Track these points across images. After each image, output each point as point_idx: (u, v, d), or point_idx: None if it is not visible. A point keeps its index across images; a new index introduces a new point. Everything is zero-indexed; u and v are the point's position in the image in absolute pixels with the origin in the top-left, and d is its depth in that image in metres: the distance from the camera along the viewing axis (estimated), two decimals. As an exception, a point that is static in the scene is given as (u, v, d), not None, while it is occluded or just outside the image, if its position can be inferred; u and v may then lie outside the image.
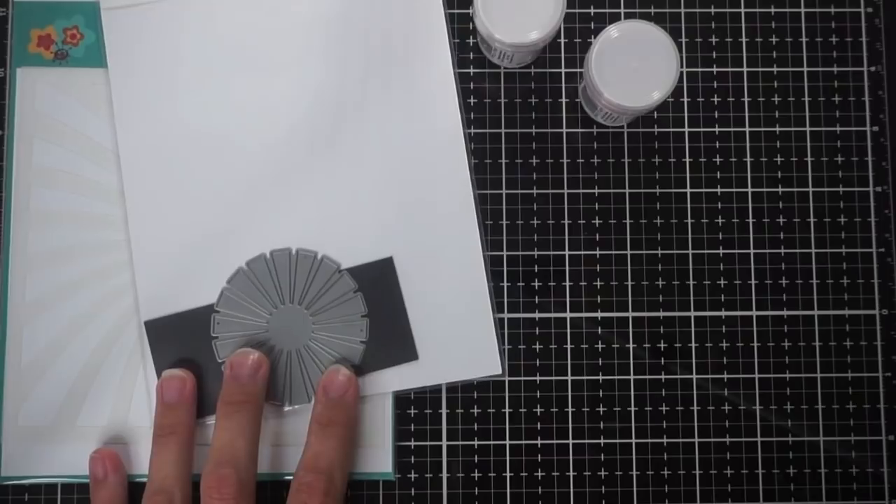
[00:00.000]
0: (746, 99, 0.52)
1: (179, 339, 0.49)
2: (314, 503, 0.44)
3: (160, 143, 0.50)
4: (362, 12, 0.51)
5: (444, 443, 0.49)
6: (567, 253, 0.51)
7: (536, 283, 0.50)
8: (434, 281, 0.50)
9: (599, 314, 0.50)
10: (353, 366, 0.49)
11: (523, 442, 0.50)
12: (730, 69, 0.52)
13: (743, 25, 0.52)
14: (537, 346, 0.50)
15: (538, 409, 0.50)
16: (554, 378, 0.50)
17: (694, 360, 0.50)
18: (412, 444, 0.49)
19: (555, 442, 0.50)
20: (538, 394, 0.50)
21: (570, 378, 0.50)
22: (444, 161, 0.50)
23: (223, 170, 0.50)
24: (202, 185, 0.50)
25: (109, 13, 0.51)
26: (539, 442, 0.50)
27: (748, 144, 0.51)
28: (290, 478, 0.46)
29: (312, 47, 0.51)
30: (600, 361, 0.50)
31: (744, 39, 0.52)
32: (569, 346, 0.50)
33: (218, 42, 0.51)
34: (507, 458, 0.49)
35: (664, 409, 0.50)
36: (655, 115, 0.52)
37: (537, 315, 0.50)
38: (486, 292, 0.50)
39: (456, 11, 0.52)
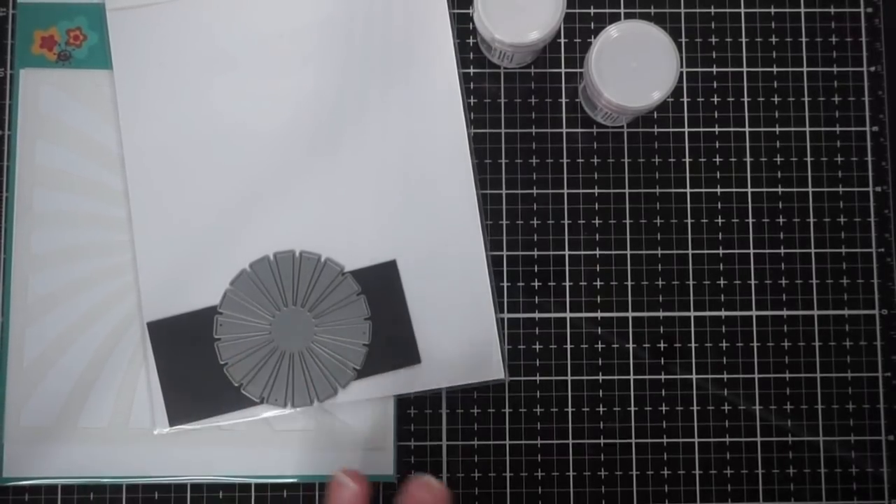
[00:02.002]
0: (746, 99, 0.52)
1: (182, 341, 0.49)
2: None
3: (164, 145, 0.50)
4: (366, 14, 0.51)
5: (444, 443, 0.50)
6: (567, 253, 0.51)
7: (536, 283, 0.51)
8: (437, 285, 0.50)
9: (599, 314, 0.51)
10: (354, 369, 0.49)
11: (523, 442, 0.50)
12: (730, 69, 0.52)
13: (743, 25, 0.52)
14: (537, 347, 0.50)
15: (538, 410, 0.50)
16: (554, 378, 0.50)
17: (694, 360, 0.50)
18: (412, 444, 0.50)
19: (555, 442, 0.50)
20: (538, 394, 0.50)
21: (570, 378, 0.50)
22: (448, 164, 0.50)
23: (227, 172, 0.50)
24: (206, 186, 0.50)
25: (115, 14, 0.51)
26: (539, 442, 0.50)
27: (748, 144, 0.51)
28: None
29: (316, 49, 0.51)
30: (600, 361, 0.50)
31: (744, 39, 0.52)
32: (569, 346, 0.50)
33: (222, 44, 0.51)
34: (507, 458, 0.50)
35: (664, 409, 0.50)
36: (655, 115, 0.52)
37: (537, 315, 0.50)
38: (490, 297, 0.50)
39: (456, 11, 0.52)
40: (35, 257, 0.50)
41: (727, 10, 0.52)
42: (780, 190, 0.51)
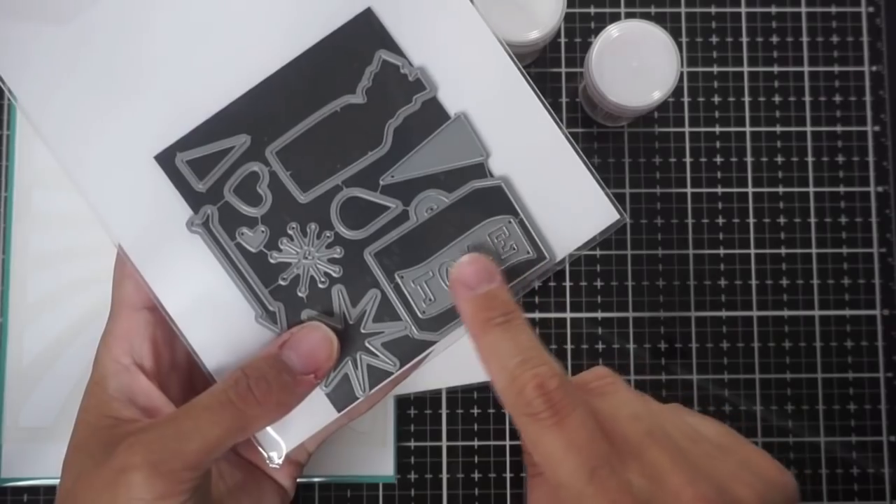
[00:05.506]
0: (746, 99, 0.52)
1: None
2: None
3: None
4: None
5: (444, 443, 0.50)
6: (567, 253, 0.51)
7: (536, 283, 0.50)
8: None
9: (599, 314, 0.50)
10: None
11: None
12: (730, 69, 0.52)
13: (743, 25, 0.52)
14: (537, 347, 0.50)
15: (538, 410, 0.50)
16: (554, 378, 0.50)
17: (694, 360, 0.50)
18: (412, 444, 0.49)
19: (555, 442, 0.50)
20: (538, 394, 0.50)
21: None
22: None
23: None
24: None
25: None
26: (539, 442, 0.49)
27: (748, 144, 0.51)
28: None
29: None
30: (600, 361, 0.50)
31: (744, 39, 0.52)
32: (569, 346, 0.50)
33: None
34: (507, 458, 0.49)
35: (664, 409, 0.50)
36: (655, 115, 0.52)
37: (537, 315, 0.50)
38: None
39: (456, 12, 0.52)
40: (35, 257, 0.50)
41: (727, 10, 0.52)
42: (780, 190, 0.51)
